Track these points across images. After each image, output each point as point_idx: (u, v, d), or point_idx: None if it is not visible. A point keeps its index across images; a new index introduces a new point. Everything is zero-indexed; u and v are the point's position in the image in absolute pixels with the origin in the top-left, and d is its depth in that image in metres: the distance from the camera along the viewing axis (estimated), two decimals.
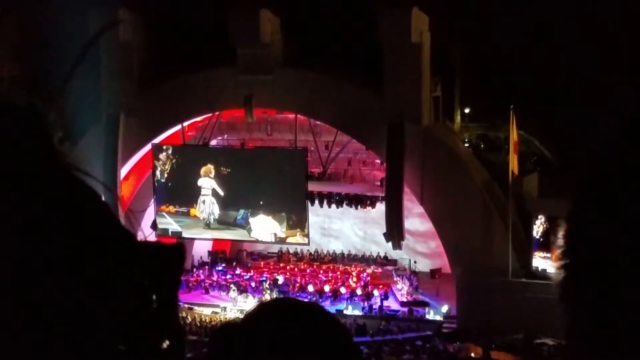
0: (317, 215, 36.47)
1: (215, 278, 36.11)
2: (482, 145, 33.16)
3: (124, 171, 35.21)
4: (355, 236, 38.86)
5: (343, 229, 38.97)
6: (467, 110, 34.06)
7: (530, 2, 31.34)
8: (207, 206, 35.30)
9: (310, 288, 33.69)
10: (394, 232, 31.20)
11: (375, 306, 31.84)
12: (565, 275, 0.99)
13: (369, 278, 34.97)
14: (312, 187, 34.06)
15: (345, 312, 30.79)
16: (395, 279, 35.01)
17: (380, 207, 32.50)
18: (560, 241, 1.01)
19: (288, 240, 34.90)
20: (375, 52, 30.56)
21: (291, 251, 38.01)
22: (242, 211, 34.78)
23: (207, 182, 35.11)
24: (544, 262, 27.46)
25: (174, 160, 35.03)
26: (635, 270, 0.89)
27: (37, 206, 0.90)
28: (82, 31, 26.56)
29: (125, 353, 0.92)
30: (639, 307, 0.88)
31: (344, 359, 1.50)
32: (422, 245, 36.11)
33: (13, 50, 34.29)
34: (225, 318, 29.40)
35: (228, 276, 36.15)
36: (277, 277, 35.23)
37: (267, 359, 1.44)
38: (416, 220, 34.42)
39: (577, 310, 0.97)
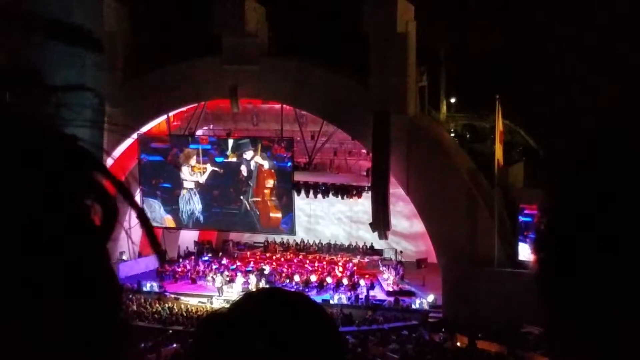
0: (304, 205, 36.46)
1: (201, 268, 36.07)
2: (467, 135, 33.17)
3: (109, 162, 34.98)
4: (341, 226, 38.87)
5: (329, 219, 38.97)
6: (452, 100, 34.09)
7: None
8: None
9: (297, 278, 33.71)
10: (380, 222, 31.26)
11: (362, 296, 31.88)
12: (540, 269, 0.97)
13: (355, 268, 35.03)
14: (298, 177, 34.05)
15: (331, 301, 30.84)
16: (381, 268, 35.10)
17: (367, 197, 32.56)
18: (536, 234, 0.99)
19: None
20: (361, 42, 30.50)
21: (277, 241, 38.00)
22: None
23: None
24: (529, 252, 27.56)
25: None
26: (612, 266, 0.88)
27: None
28: (66, 17, 26.38)
29: None
30: (613, 304, 0.88)
31: (329, 349, 1.51)
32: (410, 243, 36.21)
33: None
34: (212, 308, 29.38)
35: (214, 266, 36.13)
36: (264, 267, 35.24)
37: (253, 349, 1.45)
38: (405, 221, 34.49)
39: (552, 305, 0.96)
